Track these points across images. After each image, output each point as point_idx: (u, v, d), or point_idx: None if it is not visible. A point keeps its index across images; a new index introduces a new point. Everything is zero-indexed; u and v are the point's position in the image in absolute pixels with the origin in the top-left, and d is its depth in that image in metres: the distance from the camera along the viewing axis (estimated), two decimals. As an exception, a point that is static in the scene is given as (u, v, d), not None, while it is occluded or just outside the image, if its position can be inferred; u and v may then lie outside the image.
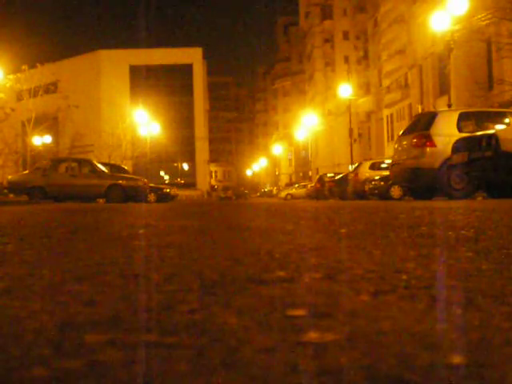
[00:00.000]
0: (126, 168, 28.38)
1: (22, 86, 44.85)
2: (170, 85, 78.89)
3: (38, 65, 45.87)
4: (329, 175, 33.05)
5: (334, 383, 0.64)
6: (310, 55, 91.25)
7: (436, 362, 0.70)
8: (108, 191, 19.07)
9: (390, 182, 18.06)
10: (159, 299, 1.11)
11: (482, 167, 11.18)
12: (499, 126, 12.91)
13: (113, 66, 75.06)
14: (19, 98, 47.99)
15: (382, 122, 59.18)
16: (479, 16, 25.94)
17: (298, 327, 0.88)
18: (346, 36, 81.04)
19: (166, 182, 62.17)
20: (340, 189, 25.78)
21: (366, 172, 23.10)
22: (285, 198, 45.72)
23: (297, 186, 53.53)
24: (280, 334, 0.84)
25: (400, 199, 17.51)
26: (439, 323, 0.91)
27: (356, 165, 26.07)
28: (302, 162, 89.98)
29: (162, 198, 27.18)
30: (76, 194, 20.04)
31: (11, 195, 23.14)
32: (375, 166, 23.38)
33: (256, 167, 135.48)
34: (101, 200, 19.94)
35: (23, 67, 43.46)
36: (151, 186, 26.19)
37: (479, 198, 13.18)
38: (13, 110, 42.32)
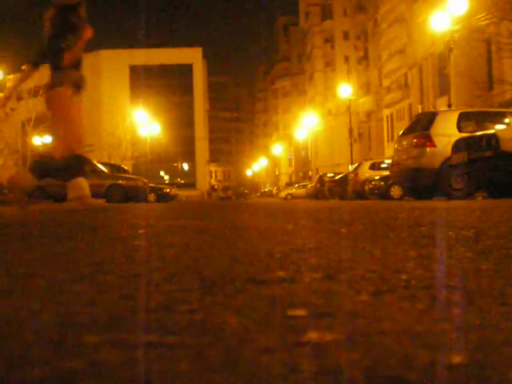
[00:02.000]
0: (126, 168, 28.37)
1: (22, 86, 44.84)
2: (169, 85, 78.90)
3: (37, 65, 45.73)
4: (329, 175, 33.07)
5: (333, 383, 0.64)
6: (309, 55, 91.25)
7: (436, 362, 0.71)
8: (108, 191, 19.06)
9: (390, 181, 18.08)
10: (159, 299, 1.11)
11: (482, 167, 11.19)
12: (499, 126, 12.91)
13: (113, 66, 75.12)
14: (19, 98, 47.97)
15: (381, 122, 59.20)
16: (479, 16, 25.94)
17: (298, 327, 0.88)
18: (346, 36, 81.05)
19: (166, 182, 62.18)
20: (340, 189, 25.79)
21: (365, 172, 23.12)
22: (285, 198, 45.74)
23: (297, 185, 53.56)
24: (280, 334, 0.84)
25: (400, 199, 17.52)
26: (439, 323, 0.91)
27: (356, 165, 26.09)
28: (302, 162, 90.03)
29: (162, 197, 27.19)
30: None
31: (11, 195, 23.10)
32: (375, 166, 23.40)
33: (256, 167, 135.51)
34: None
35: (23, 67, 43.47)
36: (151, 186, 26.20)
37: (479, 198, 13.18)
38: (13, 109, 42.32)
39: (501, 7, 25.67)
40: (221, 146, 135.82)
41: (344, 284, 1.26)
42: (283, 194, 50.93)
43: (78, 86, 7.54)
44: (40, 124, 47.68)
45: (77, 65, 7.57)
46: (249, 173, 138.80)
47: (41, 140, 49.56)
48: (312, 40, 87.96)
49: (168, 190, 29.31)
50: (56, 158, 7.36)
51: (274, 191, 69.80)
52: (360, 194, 22.13)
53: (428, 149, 13.07)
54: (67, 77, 7.41)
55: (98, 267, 1.61)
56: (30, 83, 46.45)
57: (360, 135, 64.65)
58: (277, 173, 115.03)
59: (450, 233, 2.69)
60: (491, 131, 11.59)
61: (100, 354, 0.75)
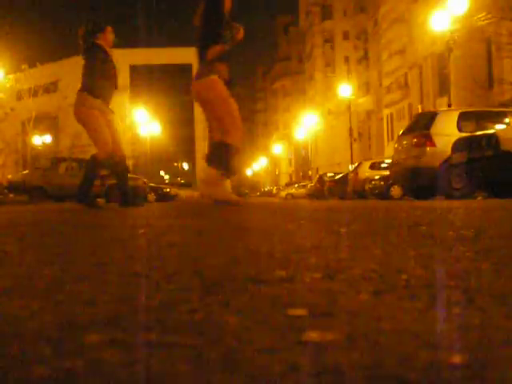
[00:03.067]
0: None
1: (22, 86, 44.85)
2: (169, 84, 78.86)
3: (38, 64, 45.84)
4: (329, 175, 33.05)
5: (333, 383, 0.64)
6: (309, 55, 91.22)
7: (436, 362, 0.71)
8: (108, 191, 19.03)
9: (390, 181, 18.07)
10: (159, 299, 1.11)
11: (482, 167, 11.19)
12: (499, 126, 12.92)
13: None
14: (19, 97, 47.97)
15: (382, 122, 59.20)
16: (479, 16, 25.97)
17: (298, 327, 0.88)
18: (346, 36, 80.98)
19: (166, 181, 62.23)
20: (340, 189, 25.79)
21: (365, 172, 23.13)
22: (285, 198, 45.71)
23: (297, 185, 53.52)
24: (280, 334, 0.84)
25: (400, 199, 17.52)
26: (439, 323, 0.91)
27: (356, 164, 26.09)
28: (302, 162, 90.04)
29: (162, 197, 27.19)
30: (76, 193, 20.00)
31: (11, 195, 23.16)
32: (375, 166, 23.41)
33: (256, 167, 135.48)
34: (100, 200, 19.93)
35: (23, 67, 43.44)
36: (151, 186, 26.21)
37: (479, 198, 13.18)
38: (13, 109, 42.32)
39: (501, 7, 25.68)
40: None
41: (344, 283, 1.26)
42: (283, 193, 50.89)
43: (225, 79, 7.57)
44: (40, 123, 47.63)
45: (225, 58, 7.59)
46: (249, 172, 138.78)
47: (41, 139, 49.54)
48: (312, 40, 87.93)
49: (168, 190, 29.32)
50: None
51: (274, 191, 69.76)
52: (360, 194, 22.13)
53: (428, 148, 13.09)
54: (214, 68, 7.45)
55: (98, 267, 1.61)
56: (31, 82, 46.45)
57: (360, 135, 64.67)
58: (277, 172, 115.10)
59: (450, 232, 2.69)
60: (491, 131, 11.60)
61: (100, 354, 0.75)
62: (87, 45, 8.64)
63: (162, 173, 73.52)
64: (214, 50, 7.42)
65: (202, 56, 7.57)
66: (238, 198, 8.10)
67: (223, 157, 7.44)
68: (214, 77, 7.47)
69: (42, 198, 20.28)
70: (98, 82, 8.44)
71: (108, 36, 8.78)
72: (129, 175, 8.57)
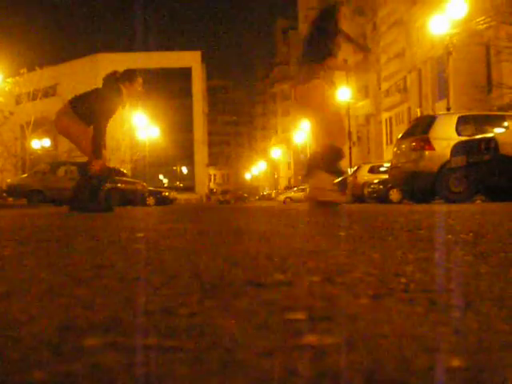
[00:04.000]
0: (124, 171, 28.34)
1: (21, 90, 44.82)
2: (168, 88, 78.79)
3: (37, 68, 45.86)
4: (328, 178, 32.93)
5: (333, 386, 0.64)
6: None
7: (435, 366, 0.71)
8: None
9: (389, 185, 18.06)
10: (158, 302, 1.11)
11: (481, 171, 11.19)
12: (498, 130, 12.92)
13: (112, 69, 74.98)
14: (18, 101, 47.95)
15: (380, 126, 59.19)
16: (478, 20, 26.00)
17: (297, 330, 0.88)
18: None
19: (165, 185, 62.22)
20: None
21: (364, 175, 23.11)
22: (284, 202, 45.67)
23: (296, 189, 53.47)
24: (279, 338, 0.84)
25: (399, 203, 17.52)
26: (438, 326, 0.91)
27: (355, 168, 26.07)
28: (301, 166, 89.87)
29: (161, 201, 27.17)
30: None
31: (10, 199, 23.13)
32: (374, 170, 23.39)
33: (255, 170, 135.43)
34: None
35: (22, 70, 43.39)
36: (150, 190, 26.19)
37: (478, 202, 13.18)
38: (12, 113, 42.28)
39: (499, 11, 25.72)
40: (220, 150, 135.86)
41: (343, 287, 1.26)
42: (282, 197, 50.85)
43: (332, 81, 7.69)
44: (39, 127, 47.59)
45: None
46: (248, 176, 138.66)
47: (40, 143, 49.50)
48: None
49: (167, 194, 29.30)
50: (320, 151, 7.56)
51: (273, 195, 69.68)
52: (359, 198, 22.12)
53: (427, 152, 13.08)
54: (324, 71, 7.56)
55: (98, 271, 1.61)
56: (30, 86, 46.45)
57: (359, 138, 64.64)
58: (276, 176, 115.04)
59: (449, 236, 2.69)
60: (490, 135, 11.60)
61: (99, 358, 0.75)
62: (110, 85, 8.66)
63: (160, 177, 73.49)
64: (335, 62, 7.62)
65: (312, 60, 7.64)
66: (340, 197, 8.34)
67: (331, 159, 7.68)
68: (319, 81, 7.58)
69: (41, 201, 20.27)
70: (86, 108, 8.40)
71: (135, 86, 8.80)
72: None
